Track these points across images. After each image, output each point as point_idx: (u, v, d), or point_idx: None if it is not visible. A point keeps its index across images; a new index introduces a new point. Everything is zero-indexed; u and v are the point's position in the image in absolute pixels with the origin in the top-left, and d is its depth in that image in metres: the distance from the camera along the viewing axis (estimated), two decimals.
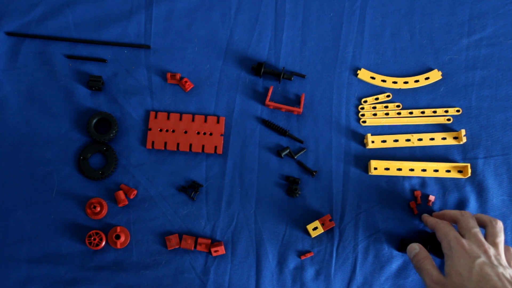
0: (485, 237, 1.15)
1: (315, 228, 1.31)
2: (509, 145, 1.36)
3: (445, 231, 1.16)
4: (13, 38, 1.41)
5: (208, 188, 1.36)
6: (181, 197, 1.35)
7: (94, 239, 1.32)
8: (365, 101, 1.39)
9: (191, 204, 1.35)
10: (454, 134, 1.36)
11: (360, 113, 1.38)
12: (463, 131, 1.34)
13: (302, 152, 1.36)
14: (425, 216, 1.28)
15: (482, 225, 1.18)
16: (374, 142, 1.36)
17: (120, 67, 1.40)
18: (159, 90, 1.39)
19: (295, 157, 1.35)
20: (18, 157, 1.36)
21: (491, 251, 1.10)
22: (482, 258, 1.07)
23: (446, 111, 1.38)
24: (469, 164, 1.33)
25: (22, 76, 1.39)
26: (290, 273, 1.33)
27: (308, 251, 1.33)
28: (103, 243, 1.32)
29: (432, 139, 1.36)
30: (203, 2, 1.43)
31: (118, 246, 1.32)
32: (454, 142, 1.36)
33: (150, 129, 1.37)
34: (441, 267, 1.31)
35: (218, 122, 1.37)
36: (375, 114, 1.38)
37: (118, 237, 1.31)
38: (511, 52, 1.40)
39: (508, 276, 1.04)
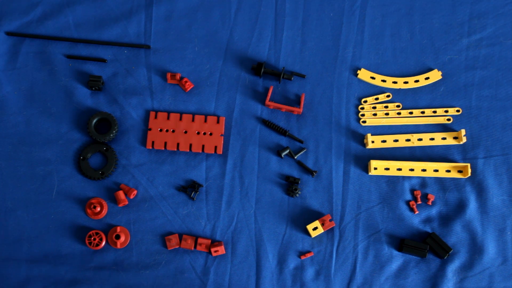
0: None
1: (315, 228, 1.31)
2: (509, 145, 1.36)
3: None
4: (13, 38, 1.41)
5: (208, 188, 1.36)
6: (181, 197, 1.35)
7: (94, 239, 1.32)
8: (365, 101, 1.39)
9: (191, 204, 1.35)
10: (454, 134, 1.36)
11: (360, 113, 1.38)
12: (463, 131, 1.34)
13: (302, 152, 1.36)
14: None
15: None
16: (374, 142, 1.36)
17: (120, 67, 1.40)
18: (159, 90, 1.39)
19: (295, 157, 1.35)
20: (18, 157, 1.36)
21: None
22: None
23: (446, 111, 1.38)
24: (469, 164, 1.33)
25: (22, 76, 1.39)
26: (290, 273, 1.33)
27: (308, 251, 1.33)
28: (103, 243, 1.32)
29: (432, 139, 1.36)
30: (203, 2, 1.43)
31: (118, 246, 1.32)
32: (454, 142, 1.36)
33: (150, 129, 1.37)
34: (441, 267, 1.32)
35: (218, 122, 1.37)
36: (375, 114, 1.38)
37: (118, 237, 1.31)
38: (511, 52, 1.40)
39: None
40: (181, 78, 1.39)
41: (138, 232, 1.34)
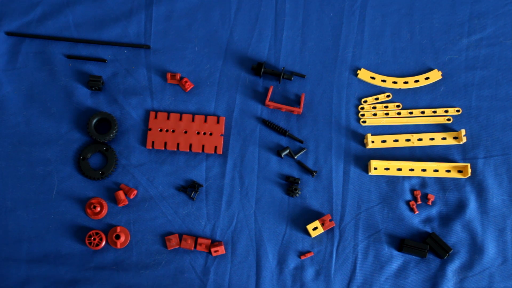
0: None
1: (315, 228, 1.31)
2: (509, 145, 1.36)
3: None
4: (13, 38, 1.41)
5: (208, 188, 1.36)
6: (181, 197, 1.35)
7: (94, 239, 1.32)
8: (365, 101, 1.39)
9: (191, 204, 1.35)
10: (454, 134, 1.36)
11: (360, 113, 1.38)
12: (463, 131, 1.34)
13: (302, 152, 1.36)
14: None
15: None
16: (374, 142, 1.36)
17: (120, 67, 1.40)
18: (159, 90, 1.39)
19: (295, 157, 1.35)
20: (18, 157, 1.36)
21: None
22: None
23: (446, 111, 1.38)
24: (469, 164, 1.33)
25: (22, 76, 1.39)
26: (290, 273, 1.33)
27: (308, 251, 1.33)
28: (103, 243, 1.32)
29: (432, 139, 1.36)
30: (203, 2, 1.43)
31: (118, 246, 1.32)
32: (454, 142, 1.36)
33: (150, 129, 1.37)
34: (441, 267, 1.32)
35: (218, 122, 1.37)
36: (375, 114, 1.38)
37: (118, 237, 1.31)
38: (511, 52, 1.40)
39: None
40: (181, 78, 1.39)
41: (138, 232, 1.34)
